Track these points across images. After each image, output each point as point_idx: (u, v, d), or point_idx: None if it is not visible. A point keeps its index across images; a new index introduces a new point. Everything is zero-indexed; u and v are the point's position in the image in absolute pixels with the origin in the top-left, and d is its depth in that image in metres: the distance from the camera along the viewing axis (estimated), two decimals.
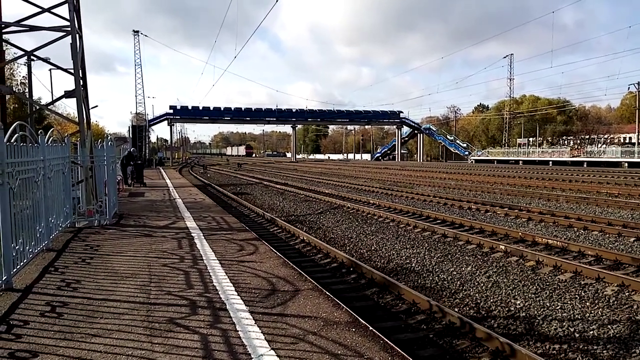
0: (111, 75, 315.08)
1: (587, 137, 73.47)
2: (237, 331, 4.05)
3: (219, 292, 5.16)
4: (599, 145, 62.82)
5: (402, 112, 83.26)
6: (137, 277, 5.81)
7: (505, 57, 73.41)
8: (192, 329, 4.12)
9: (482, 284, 7.39)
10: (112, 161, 11.74)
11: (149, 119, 69.43)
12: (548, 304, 6.43)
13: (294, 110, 79.99)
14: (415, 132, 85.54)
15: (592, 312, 6.12)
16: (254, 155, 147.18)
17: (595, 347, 5.09)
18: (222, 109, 75.88)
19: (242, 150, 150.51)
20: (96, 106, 25.58)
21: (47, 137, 7.63)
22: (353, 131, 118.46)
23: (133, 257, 7.00)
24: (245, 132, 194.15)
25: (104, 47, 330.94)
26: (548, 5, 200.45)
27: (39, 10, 10.84)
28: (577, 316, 5.99)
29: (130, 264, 6.53)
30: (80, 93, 10.88)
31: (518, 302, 6.58)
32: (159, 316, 4.43)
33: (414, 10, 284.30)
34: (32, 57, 11.72)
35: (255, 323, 4.24)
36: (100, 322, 4.28)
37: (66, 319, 4.37)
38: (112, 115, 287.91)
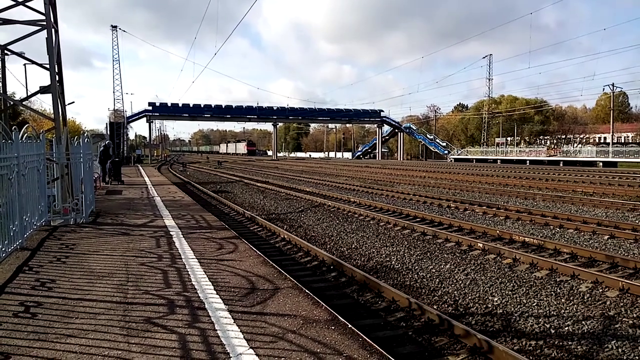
0: (88, 71, 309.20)
1: (564, 136, 74.95)
2: (216, 330, 4.01)
3: (198, 291, 5.11)
4: (575, 145, 64.14)
5: (383, 110, 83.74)
6: (114, 276, 5.72)
7: (484, 58, 74.41)
8: (170, 328, 4.07)
9: (460, 282, 7.48)
10: (88, 158, 11.54)
11: (127, 115, 68.43)
12: (525, 301, 6.53)
13: (275, 108, 79.66)
14: (396, 131, 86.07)
15: (567, 308, 6.24)
16: (256, 153, 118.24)
17: (570, 343, 5.19)
18: (202, 106, 75.17)
19: (241, 147, 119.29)
20: (73, 102, 25.12)
21: (21, 133, 7.47)
22: (334, 129, 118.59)
23: (110, 255, 6.89)
24: (225, 130, 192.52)
25: (81, 41, 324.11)
26: (532, 5, 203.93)
27: (13, 3, 10.58)
28: (552, 312, 6.10)
29: (107, 263, 6.43)
30: (56, 89, 10.66)
31: (495, 299, 6.67)
32: (136, 316, 4.37)
33: (397, 8, 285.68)
34: (5, 51, 11.41)
35: (234, 322, 4.21)
36: (76, 322, 4.20)
37: (40, 319, 4.28)
38: (89, 112, 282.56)
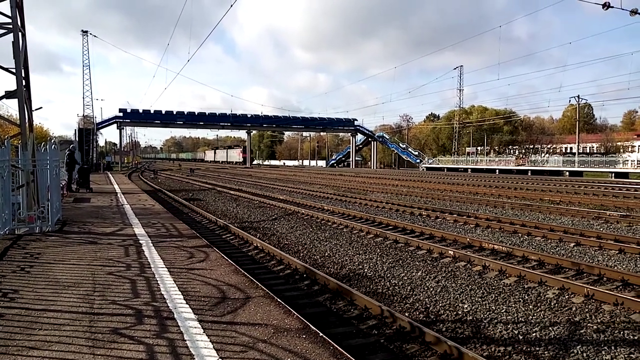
0: (57, 76, 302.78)
1: (532, 146, 76.92)
2: (185, 340, 3.95)
3: (167, 301, 5.02)
4: (543, 154, 65.84)
5: (356, 119, 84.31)
6: (80, 286, 5.57)
7: (455, 69, 75.88)
8: (138, 339, 3.98)
9: (431, 289, 7.55)
10: (55, 165, 11.25)
11: (97, 122, 67.11)
12: (494, 308, 6.64)
13: (249, 116, 79.31)
14: (369, 139, 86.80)
15: (535, 314, 6.36)
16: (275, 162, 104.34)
17: (537, 349, 5.29)
18: (174, 113, 74.31)
19: (235, 154, 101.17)
20: (40, 108, 24.59)
21: None
22: (308, 138, 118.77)
23: (76, 265, 6.72)
24: (198, 137, 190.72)
25: (50, 45, 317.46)
26: (506, 16, 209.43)
27: None
28: (520, 319, 6.21)
29: (73, 273, 6.26)
30: (22, 94, 10.38)
31: (465, 306, 6.75)
32: (103, 326, 4.26)
33: (373, 17, 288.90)
34: None
35: (203, 332, 4.15)
36: (39, 334, 4.07)
37: (1, 332, 4.13)
38: (57, 118, 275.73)
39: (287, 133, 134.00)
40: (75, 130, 60.41)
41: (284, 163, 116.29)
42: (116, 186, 25.53)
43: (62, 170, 17.64)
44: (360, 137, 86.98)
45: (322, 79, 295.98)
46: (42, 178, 10.55)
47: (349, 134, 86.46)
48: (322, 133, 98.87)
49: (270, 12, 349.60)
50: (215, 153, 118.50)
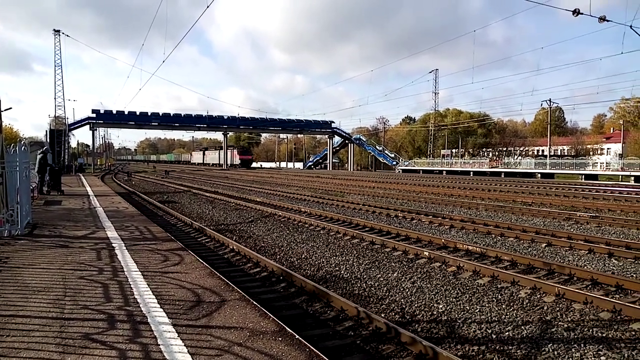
0: (28, 75, 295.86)
1: (505, 149, 78.35)
2: (159, 345, 3.89)
3: (140, 305, 4.94)
4: (515, 157, 67.10)
5: (334, 122, 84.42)
6: (50, 291, 5.44)
7: (431, 72, 76.79)
8: (110, 344, 3.90)
9: (407, 290, 7.61)
10: (25, 167, 10.96)
11: (69, 123, 65.62)
12: (468, 308, 6.73)
13: (225, 117, 78.67)
14: (346, 142, 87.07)
15: (508, 314, 6.47)
16: (253, 164, 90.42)
17: (510, 347, 5.38)
18: (149, 114, 73.18)
19: (229, 155, 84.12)
20: (10, 108, 23.91)
21: None
22: (286, 140, 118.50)
23: (46, 269, 6.55)
24: (174, 139, 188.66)
25: (21, 43, 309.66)
26: (481, 20, 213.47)
27: None
28: (494, 318, 6.31)
29: (43, 277, 6.11)
30: None
31: (440, 306, 6.83)
32: (74, 332, 4.17)
33: (350, 20, 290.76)
34: None
35: (178, 336, 4.10)
36: (7, 341, 3.96)
37: None
38: (27, 118, 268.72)
39: (264, 135, 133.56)
40: (47, 131, 59.03)
41: (261, 165, 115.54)
42: (88, 188, 25.02)
43: (32, 172, 17.20)
44: (337, 139, 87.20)
45: (300, 80, 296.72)
46: (12, 180, 10.26)
47: (326, 136, 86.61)
48: (299, 135, 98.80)
49: (248, 13, 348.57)
50: (204, 154, 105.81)
